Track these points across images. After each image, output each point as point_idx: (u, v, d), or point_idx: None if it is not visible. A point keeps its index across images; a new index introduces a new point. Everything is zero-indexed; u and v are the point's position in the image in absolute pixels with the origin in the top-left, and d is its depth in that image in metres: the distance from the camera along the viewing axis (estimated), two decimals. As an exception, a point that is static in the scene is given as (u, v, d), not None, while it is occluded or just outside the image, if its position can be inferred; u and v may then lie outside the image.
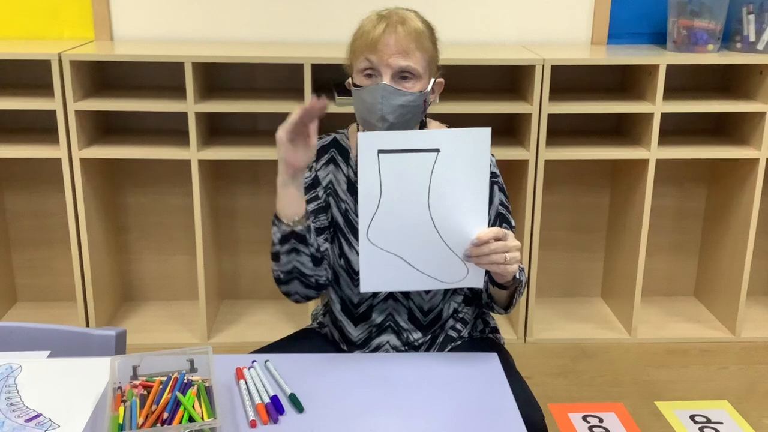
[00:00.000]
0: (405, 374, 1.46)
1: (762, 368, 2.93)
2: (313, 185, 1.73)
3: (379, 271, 1.49)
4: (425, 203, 1.44)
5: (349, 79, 1.69)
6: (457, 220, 1.45)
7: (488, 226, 1.47)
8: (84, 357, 1.50)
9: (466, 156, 1.41)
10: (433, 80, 1.66)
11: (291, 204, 1.56)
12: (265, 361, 1.47)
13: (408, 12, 1.65)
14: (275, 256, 1.63)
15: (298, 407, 1.33)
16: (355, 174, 1.72)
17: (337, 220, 1.73)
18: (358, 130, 1.74)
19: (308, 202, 1.72)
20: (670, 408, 2.64)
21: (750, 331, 3.15)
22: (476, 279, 1.51)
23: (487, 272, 1.54)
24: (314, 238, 1.62)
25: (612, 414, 2.60)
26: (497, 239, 1.44)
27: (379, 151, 1.40)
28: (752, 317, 3.22)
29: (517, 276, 1.57)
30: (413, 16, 1.64)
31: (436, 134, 1.43)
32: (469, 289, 1.75)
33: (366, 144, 1.40)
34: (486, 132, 1.41)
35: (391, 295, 1.71)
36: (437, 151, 1.41)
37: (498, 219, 1.73)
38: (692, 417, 2.59)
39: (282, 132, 1.47)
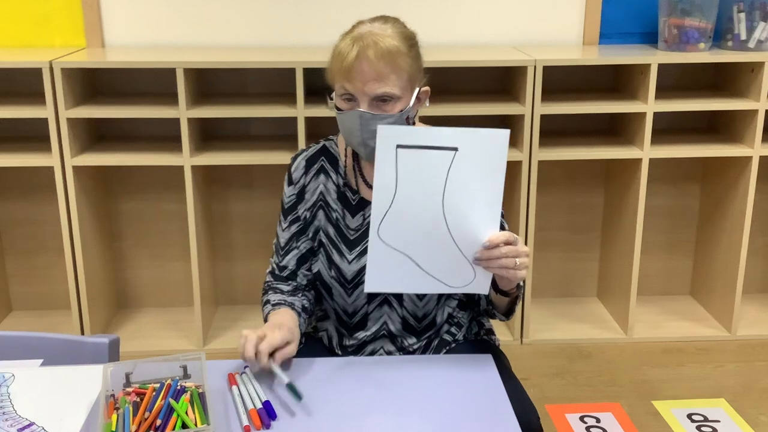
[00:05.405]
0: (400, 377, 1.45)
1: (758, 366, 2.93)
2: (295, 204, 1.72)
3: (386, 270, 1.47)
4: (440, 202, 1.42)
5: (333, 94, 1.63)
6: (470, 222, 1.43)
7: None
8: (77, 365, 1.49)
9: (483, 157, 1.40)
10: (417, 90, 1.62)
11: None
12: (259, 366, 1.47)
13: (384, 27, 1.57)
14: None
15: (297, 396, 1.34)
16: (344, 181, 1.72)
17: (327, 230, 1.71)
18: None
19: (290, 224, 1.72)
20: (667, 407, 2.64)
21: (746, 328, 3.15)
22: (482, 285, 1.49)
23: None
24: (306, 316, 1.67)
25: (609, 414, 2.59)
26: (508, 243, 1.43)
27: (398, 146, 1.38)
28: (748, 315, 3.22)
29: (520, 283, 1.56)
30: (389, 33, 1.56)
31: (455, 132, 1.40)
32: (465, 295, 1.74)
33: (385, 137, 1.38)
34: (505, 134, 1.40)
35: (385, 302, 1.70)
36: (455, 149, 1.39)
37: None
38: (689, 416, 2.58)
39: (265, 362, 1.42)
